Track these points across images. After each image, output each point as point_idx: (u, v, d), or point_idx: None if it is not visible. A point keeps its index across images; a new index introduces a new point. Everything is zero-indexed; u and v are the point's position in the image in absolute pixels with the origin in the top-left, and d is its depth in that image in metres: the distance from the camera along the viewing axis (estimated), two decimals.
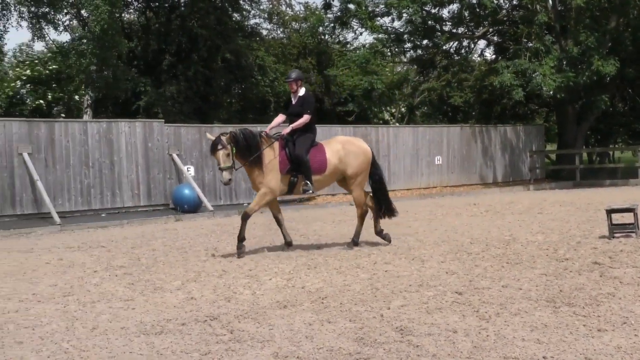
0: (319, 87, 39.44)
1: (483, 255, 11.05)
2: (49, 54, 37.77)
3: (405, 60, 38.06)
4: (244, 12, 36.93)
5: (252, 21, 38.70)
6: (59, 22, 34.36)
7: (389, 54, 35.75)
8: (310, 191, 12.25)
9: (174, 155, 22.31)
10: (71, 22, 35.47)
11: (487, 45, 38.54)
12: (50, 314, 7.97)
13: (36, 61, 38.13)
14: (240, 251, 11.84)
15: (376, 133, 28.16)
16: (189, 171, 22.45)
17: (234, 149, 11.68)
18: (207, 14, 32.87)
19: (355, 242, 12.58)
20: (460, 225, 15.60)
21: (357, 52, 36.23)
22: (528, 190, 28.87)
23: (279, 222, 12.59)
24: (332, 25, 34.32)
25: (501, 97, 36.15)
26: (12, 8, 34.09)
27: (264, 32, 41.13)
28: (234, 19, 35.72)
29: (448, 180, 30.05)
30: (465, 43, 36.05)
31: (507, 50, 33.29)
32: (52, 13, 33.13)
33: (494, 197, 24.70)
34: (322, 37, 39.90)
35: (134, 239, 15.15)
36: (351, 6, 32.15)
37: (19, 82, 37.80)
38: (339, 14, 33.37)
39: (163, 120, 24.19)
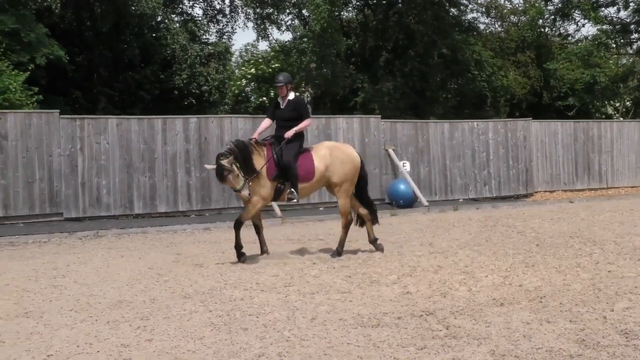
0: (538, 81, 38.32)
1: None
2: (272, 53, 39.30)
3: (631, 52, 36.17)
4: (461, 7, 36.56)
5: (469, 15, 38.24)
6: (282, 22, 35.81)
7: (614, 45, 34.14)
8: (295, 200, 11.84)
9: (390, 151, 22.51)
10: (293, 22, 36.70)
11: None
12: (272, 303, 8.30)
13: (260, 60, 39.76)
14: (243, 259, 11.51)
15: (598, 128, 26.96)
16: (405, 166, 22.55)
17: (237, 165, 11.17)
18: (424, 10, 32.85)
19: (339, 252, 11.99)
20: None
21: (579, 44, 34.87)
22: None
23: (257, 230, 12.19)
24: (553, 17, 33.28)
25: None
26: (240, 10, 35.85)
27: (481, 27, 40.54)
28: (451, 14, 35.47)
29: None
30: None
31: None
32: (276, 13, 34.55)
33: None
34: (542, 29, 38.69)
35: (350, 232, 15.33)
36: None
37: (244, 81, 39.61)
38: (559, 5, 32.28)
39: (380, 115, 24.48)
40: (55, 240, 15.56)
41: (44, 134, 17.99)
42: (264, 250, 12.14)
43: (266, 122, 12.27)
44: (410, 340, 6.56)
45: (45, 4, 25.04)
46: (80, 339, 6.92)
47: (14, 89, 18.92)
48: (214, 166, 11.22)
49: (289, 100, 12.00)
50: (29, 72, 20.06)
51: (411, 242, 13.45)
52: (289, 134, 11.72)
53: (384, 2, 34.90)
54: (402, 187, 21.39)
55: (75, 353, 6.49)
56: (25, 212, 17.78)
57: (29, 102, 19.74)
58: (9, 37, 20.85)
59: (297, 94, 13.37)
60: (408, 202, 21.20)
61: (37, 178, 17.94)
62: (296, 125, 11.84)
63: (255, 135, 11.94)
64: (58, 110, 19.04)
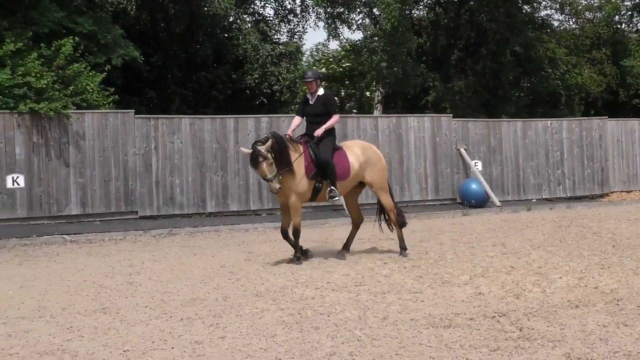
0: (614, 79, 37.50)
1: None
2: (342, 52, 39.35)
3: None
4: (535, 4, 36.00)
5: (542, 12, 37.64)
6: (352, 21, 35.81)
7: None
8: (337, 197, 11.66)
9: (462, 150, 22.32)
10: (363, 21, 36.71)
11: None
12: (343, 302, 8.32)
13: (331, 59, 39.85)
14: (301, 260, 11.42)
15: None
16: (477, 166, 22.35)
17: (273, 154, 11.00)
18: (497, 7, 32.45)
19: (403, 248, 12.03)
20: None
21: None
22: None
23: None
24: (630, 13, 32.50)
25: None
26: (311, 10, 36.06)
27: (555, 24, 39.85)
28: (523, 11, 34.96)
29: None
30: None
31: None
32: (347, 13, 34.59)
33: None
34: (618, 26, 37.87)
35: (422, 232, 15.36)
36: None
37: None
38: (637, 1, 31.50)
39: (451, 114, 24.31)
40: (130, 238, 15.87)
41: (119, 134, 18.35)
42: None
43: (297, 120, 12.22)
44: (483, 341, 6.51)
45: (121, 6, 25.55)
46: (155, 335, 7.06)
47: (91, 90, 19.34)
48: (250, 150, 11.07)
49: (318, 95, 11.91)
50: (105, 73, 20.48)
51: (483, 243, 13.32)
52: (318, 132, 11.60)
53: (456, 0, 34.61)
54: (474, 186, 21.20)
55: (150, 349, 6.62)
56: (101, 210, 18.16)
57: (105, 102, 20.15)
58: (87, 39, 21.32)
59: (326, 89, 13.09)
60: (480, 202, 21.00)
61: (113, 177, 18.30)
62: (325, 121, 11.73)
63: (289, 132, 11.85)
64: (133, 110, 19.41)
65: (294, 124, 12.12)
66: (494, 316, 7.42)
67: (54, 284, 10.22)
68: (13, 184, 17.17)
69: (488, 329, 6.93)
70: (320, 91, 12.00)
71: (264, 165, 10.90)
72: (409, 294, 8.69)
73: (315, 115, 11.84)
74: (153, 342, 6.82)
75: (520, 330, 6.82)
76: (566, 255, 11.27)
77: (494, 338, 6.60)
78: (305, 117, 12.11)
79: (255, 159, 10.95)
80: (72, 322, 7.71)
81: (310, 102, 11.94)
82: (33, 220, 17.38)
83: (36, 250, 14.12)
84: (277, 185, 11.06)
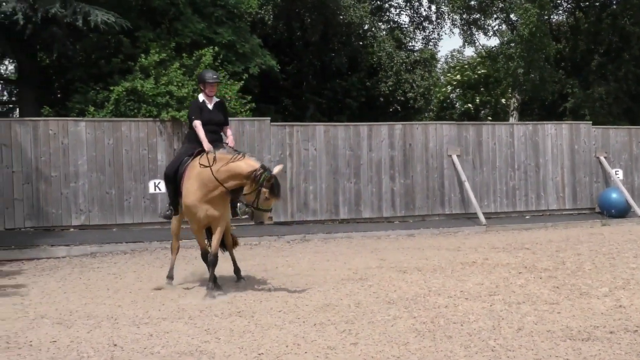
0: None
1: None
2: (478, 59, 38.90)
3: None
4: None
5: None
6: (489, 28, 35.37)
7: None
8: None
9: (602, 158, 21.61)
10: (500, 27, 36.20)
11: None
12: (477, 312, 8.21)
13: (466, 66, 39.48)
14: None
15: None
16: (617, 174, 21.59)
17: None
18: None
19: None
20: None
21: None
22: None
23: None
24: None
25: None
26: (446, 16, 35.89)
27: None
28: None
29: None
30: None
31: None
32: (483, 19, 34.20)
33: None
34: None
35: (559, 242, 14.95)
36: None
37: (449, 87, 39.48)
38: None
39: (590, 122, 23.58)
40: (264, 243, 16.18)
41: (255, 141, 18.74)
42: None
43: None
44: (624, 356, 6.29)
45: (259, 16, 26.10)
46: (289, 340, 7.16)
47: (229, 98, 19.86)
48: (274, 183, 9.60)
49: (215, 101, 10.77)
50: (243, 82, 20.98)
51: (624, 254, 12.82)
52: (232, 143, 10.65)
53: (597, 3, 33.58)
54: (614, 195, 20.49)
55: (284, 353, 6.73)
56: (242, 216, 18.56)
57: (242, 110, 20.64)
58: (226, 49, 21.91)
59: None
60: (621, 212, 20.27)
61: None
62: (221, 130, 10.84)
63: (231, 142, 10.64)
64: (269, 118, 19.78)
65: (203, 131, 10.42)
66: (636, 330, 7.15)
67: (191, 286, 10.54)
68: (155, 189, 17.82)
69: (629, 344, 6.68)
70: (215, 97, 10.84)
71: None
72: (545, 305, 8.48)
73: (216, 123, 10.64)
74: (287, 347, 6.92)
75: None
76: None
77: (637, 353, 6.36)
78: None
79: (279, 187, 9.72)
80: (209, 324, 7.93)
81: (209, 108, 10.62)
82: None
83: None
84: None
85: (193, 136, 10.53)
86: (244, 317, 8.28)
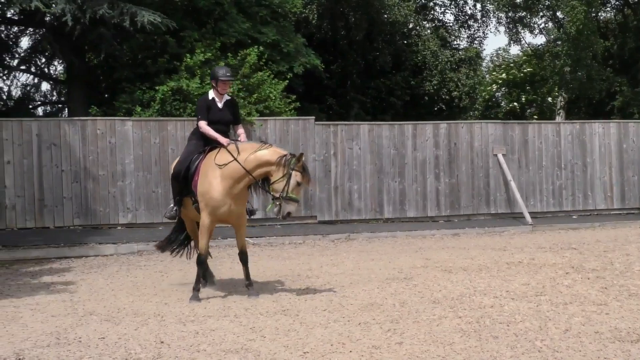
0: None
1: None
2: (523, 57, 38.53)
3: None
4: None
5: None
6: (535, 25, 35.07)
7: None
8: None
9: None
10: (546, 25, 35.84)
11: None
12: (523, 312, 8.14)
13: (511, 64, 39.12)
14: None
15: None
16: None
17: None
18: None
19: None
20: None
21: None
22: None
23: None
24: None
25: None
26: (491, 15, 35.65)
27: None
28: None
29: None
30: None
31: None
32: (529, 17, 33.90)
33: None
34: None
35: (607, 242, 14.76)
36: None
37: (494, 86, 39.15)
38: None
39: (639, 120, 23.24)
40: (309, 242, 16.22)
41: (300, 140, 18.77)
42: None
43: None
44: None
45: (303, 15, 26.14)
46: (334, 339, 7.18)
47: (274, 97, 19.92)
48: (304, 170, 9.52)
49: (226, 100, 10.46)
50: (287, 81, 21.05)
51: None
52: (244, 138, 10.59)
53: None
54: None
55: (329, 352, 6.74)
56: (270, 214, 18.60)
57: (287, 109, 20.70)
58: (271, 48, 22.00)
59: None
60: None
61: None
62: (230, 129, 10.66)
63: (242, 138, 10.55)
64: (313, 117, 19.81)
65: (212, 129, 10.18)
66: None
67: (238, 284, 10.61)
68: None
69: None
70: (226, 95, 10.50)
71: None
72: (593, 306, 8.38)
73: (225, 123, 10.36)
74: (332, 345, 6.94)
75: None
76: None
77: None
78: (209, 124, 10.21)
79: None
80: (254, 323, 7.98)
81: (219, 107, 10.31)
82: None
83: (221, 252, 14.71)
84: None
85: (200, 133, 10.27)
86: (289, 315, 8.31)
